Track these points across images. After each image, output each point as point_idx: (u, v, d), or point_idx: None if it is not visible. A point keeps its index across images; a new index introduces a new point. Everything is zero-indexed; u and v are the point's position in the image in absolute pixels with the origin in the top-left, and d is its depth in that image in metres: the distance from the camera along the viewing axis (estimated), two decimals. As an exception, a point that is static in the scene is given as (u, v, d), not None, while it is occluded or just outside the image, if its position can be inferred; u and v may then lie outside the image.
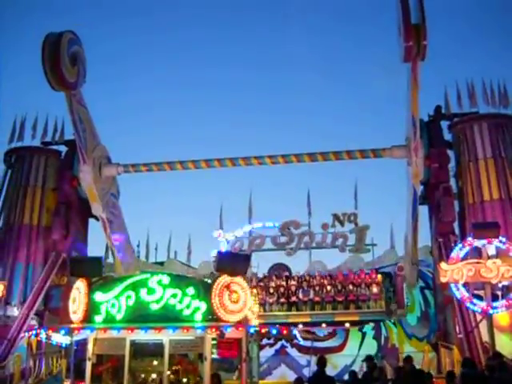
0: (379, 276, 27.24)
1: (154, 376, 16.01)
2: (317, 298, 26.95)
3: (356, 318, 26.59)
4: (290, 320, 26.74)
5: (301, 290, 27.29)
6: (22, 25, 71.11)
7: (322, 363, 13.43)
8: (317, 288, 27.23)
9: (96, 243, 30.75)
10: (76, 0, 72.39)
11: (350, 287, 26.96)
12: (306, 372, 25.97)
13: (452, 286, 19.97)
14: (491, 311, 19.54)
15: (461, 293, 19.85)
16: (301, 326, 23.19)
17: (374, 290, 26.68)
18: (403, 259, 26.73)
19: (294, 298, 27.27)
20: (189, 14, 76.03)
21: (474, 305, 19.71)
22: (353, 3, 73.22)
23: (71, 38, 22.48)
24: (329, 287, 27.12)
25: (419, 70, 21.16)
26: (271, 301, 27.21)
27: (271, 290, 27.53)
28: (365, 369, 15.56)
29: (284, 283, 27.93)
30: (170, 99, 78.15)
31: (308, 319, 26.69)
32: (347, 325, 26.63)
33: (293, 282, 27.82)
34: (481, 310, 19.69)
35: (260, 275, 28.87)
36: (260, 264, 29.32)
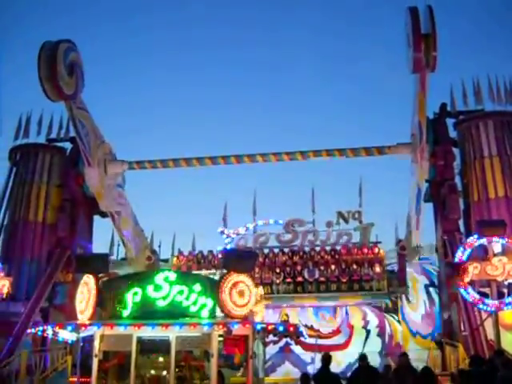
0: (381, 251, 27.61)
1: (160, 373, 16.03)
2: (322, 278, 27.21)
3: (360, 299, 27.30)
4: (297, 302, 27.61)
5: (306, 270, 27.54)
6: (23, 21, 71.30)
7: (326, 360, 13.43)
8: (322, 267, 27.50)
9: (101, 240, 30.85)
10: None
11: (354, 266, 27.24)
12: (311, 369, 26.00)
13: (462, 290, 19.94)
14: (505, 308, 19.53)
15: (471, 296, 19.82)
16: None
17: (377, 269, 27.01)
18: (405, 238, 26.92)
19: (299, 278, 27.49)
20: (193, 13, 76.22)
21: (487, 305, 19.65)
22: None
23: (68, 47, 22.64)
24: (333, 266, 27.42)
25: (428, 80, 21.06)
26: (278, 281, 27.49)
27: (277, 270, 27.80)
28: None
29: (290, 261, 28.31)
30: (174, 97, 78.11)
31: (314, 301, 27.36)
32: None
33: (298, 260, 28.15)
34: (495, 309, 19.59)
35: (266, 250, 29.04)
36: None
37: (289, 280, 27.57)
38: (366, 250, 27.80)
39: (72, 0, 73.10)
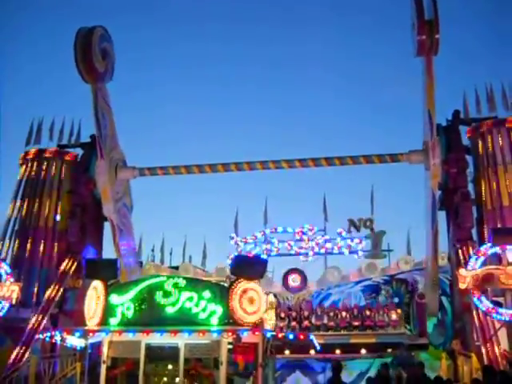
0: (399, 310, 26.39)
1: (169, 380, 15.88)
2: (331, 323, 26.14)
3: (373, 340, 25.49)
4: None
5: (314, 316, 26.56)
6: (36, 29, 71.77)
7: (337, 369, 13.29)
8: (331, 314, 26.44)
9: (111, 246, 30.75)
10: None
11: (367, 312, 26.17)
12: (322, 378, 25.77)
13: (475, 299, 19.67)
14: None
15: (485, 305, 19.54)
16: (313, 353, 22.62)
17: (393, 316, 25.91)
18: (424, 287, 26.31)
19: (306, 323, 26.42)
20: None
21: (501, 314, 19.35)
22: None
23: (102, 33, 23.97)
24: (344, 313, 26.38)
25: (433, 65, 22.02)
26: (282, 325, 26.09)
27: (282, 315, 26.59)
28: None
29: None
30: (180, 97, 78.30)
31: (321, 341, 26.16)
32: (363, 351, 25.28)
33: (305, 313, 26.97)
34: (509, 318, 19.28)
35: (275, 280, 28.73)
36: (275, 268, 29.17)
37: (294, 324, 26.46)
38: (380, 309, 26.44)
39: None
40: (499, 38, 70.36)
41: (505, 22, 70.43)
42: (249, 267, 15.86)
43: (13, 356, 22.29)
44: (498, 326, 20.24)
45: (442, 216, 25.88)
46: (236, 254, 27.54)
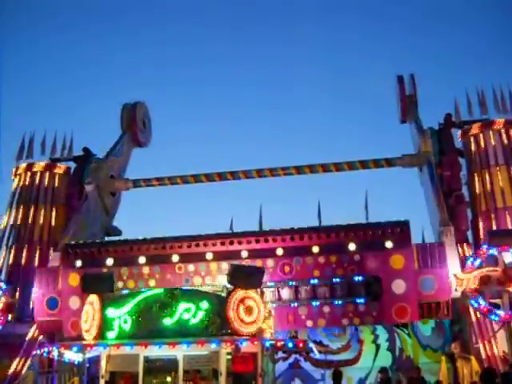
0: None
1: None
2: None
3: None
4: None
5: None
6: (23, 39, 71.76)
7: (337, 377, 13.26)
8: None
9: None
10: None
11: None
12: (321, 386, 25.67)
13: (472, 301, 19.64)
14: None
15: (481, 306, 19.50)
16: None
17: None
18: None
19: None
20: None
21: (498, 316, 19.32)
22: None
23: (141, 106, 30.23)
24: None
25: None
26: None
27: None
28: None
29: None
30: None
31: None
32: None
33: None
34: (507, 320, 19.23)
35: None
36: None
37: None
38: None
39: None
40: (489, 42, 70.97)
41: (493, 25, 70.98)
42: (246, 277, 15.83)
43: (10, 372, 22.12)
44: (496, 327, 20.22)
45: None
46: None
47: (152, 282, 20.74)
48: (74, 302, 20.96)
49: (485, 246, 20.21)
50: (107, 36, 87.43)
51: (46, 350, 17.30)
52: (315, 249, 20.36)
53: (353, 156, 24.39)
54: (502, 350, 20.23)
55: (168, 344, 14.82)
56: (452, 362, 22.74)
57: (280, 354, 20.47)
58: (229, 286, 16.97)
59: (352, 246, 20.25)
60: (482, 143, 25.34)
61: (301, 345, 16.92)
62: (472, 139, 25.77)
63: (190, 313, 15.62)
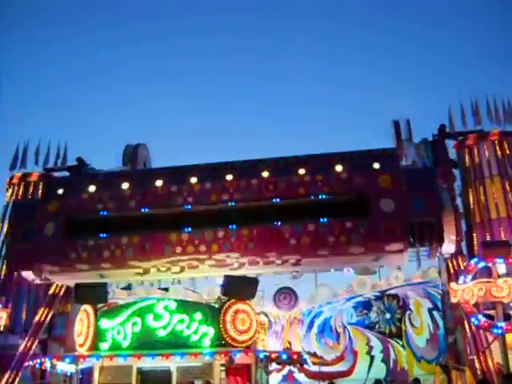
0: None
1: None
2: None
3: None
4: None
5: None
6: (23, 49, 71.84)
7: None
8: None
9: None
10: None
11: None
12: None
13: (472, 319, 19.54)
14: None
15: (481, 324, 19.40)
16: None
17: None
18: None
19: None
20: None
21: (499, 328, 19.21)
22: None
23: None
24: None
25: None
26: None
27: None
28: None
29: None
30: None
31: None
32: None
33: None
34: (502, 332, 19.13)
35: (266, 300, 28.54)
36: (266, 288, 28.94)
37: None
38: None
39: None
40: (482, 53, 71.34)
41: (487, 37, 71.41)
42: (240, 288, 15.79)
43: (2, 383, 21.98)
44: (490, 339, 20.18)
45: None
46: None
47: (132, 203, 20.57)
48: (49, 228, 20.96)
49: (473, 261, 20.14)
50: (100, 30, 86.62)
51: (38, 361, 17.17)
52: (301, 170, 20.04)
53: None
54: (497, 361, 20.18)
55: (161, 355, 14.74)
56: (446, 373, 22.72)
57: (274, 366, 20.38)
58: (223, 297, 16.95)
59: (339, 168, 19.89)
60: (476, 154, 25.38)
61: (295, 356, 16.84)
62: (466, 150, 25.81)
63: (183, 324, 15.56)
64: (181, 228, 19.63)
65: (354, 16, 78.69)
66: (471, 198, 24.99)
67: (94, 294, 16.96)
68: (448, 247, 20.10)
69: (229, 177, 20.14)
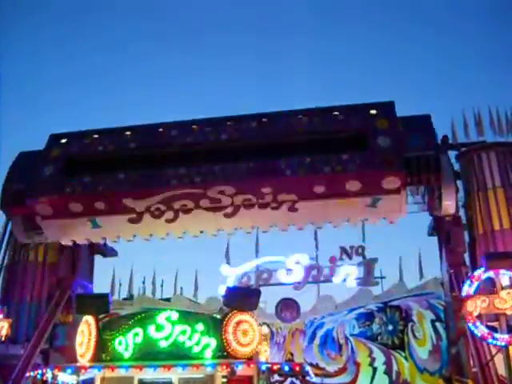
0: None
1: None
2: None
3: None
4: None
5: None
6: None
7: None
8: None
9: (102, 280, 30.51)
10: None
11: None
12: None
13: (470, 325, 19.49)
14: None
15: (480, 331, 19.35)
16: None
17: None
18: None
19: None
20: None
21: (497, 339, 19.15)
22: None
23: None
24: None
25: None
26: None
27: None
28: None
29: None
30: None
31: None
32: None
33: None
34: (505, 344, 19.07)
35: (268, 311, 28.49)
36: (268, 299, 28.92)
37: None
38: None
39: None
40: (485, 63, 71.45)
41: (489, 47, 71.53)
42: (242, 299, 15.77)
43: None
44: (494, 351, 20.08)
45: (433, 241, 25.86)
46: (229, 285, 27.33)
47: (132, 144, 21.27)
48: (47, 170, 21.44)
49: (481, 269, 20.11)
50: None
51: (39, 371, 17.11)
52: (300, 116, 20.78)
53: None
54: (500, 374, 20.06)
55: (163, 367, 14.68)
56: (449, 385, 22.65)
57: (276, 377, 20.30)
58: (225, 307, 16.91)
59: (337, 112, 20.69)
60: (479, 166, 25.31)
61: (297, 368, 16.77)
62: (469, 162, 25.75)
63: (185, 335, 15.50)
64: (177, 164, 20.29)
65: (356, 16, 78.59)
66: (474, 210, 24.88)
67: (96, 305, 16.93)
68: (448, 205, 20.12)
69: (229, 123, 21.10)
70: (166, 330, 15.62)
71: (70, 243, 24.07)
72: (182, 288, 30.25)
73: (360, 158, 19.34)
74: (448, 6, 70.97)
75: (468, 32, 71.14)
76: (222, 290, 26.87)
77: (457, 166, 26.08)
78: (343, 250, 28.43)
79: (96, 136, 21.78)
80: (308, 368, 17.94)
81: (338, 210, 20.37)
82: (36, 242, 24.00)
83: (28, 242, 23.43)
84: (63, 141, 22.07)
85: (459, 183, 25.37)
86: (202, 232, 22.15)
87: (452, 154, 25.99)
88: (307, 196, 19.69)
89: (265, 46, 79.98)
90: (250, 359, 15.39)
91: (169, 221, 20.43)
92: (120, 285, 30.44)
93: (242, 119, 21.17)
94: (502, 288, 19.43)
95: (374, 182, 19.23)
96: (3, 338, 23.07)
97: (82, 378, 16.47)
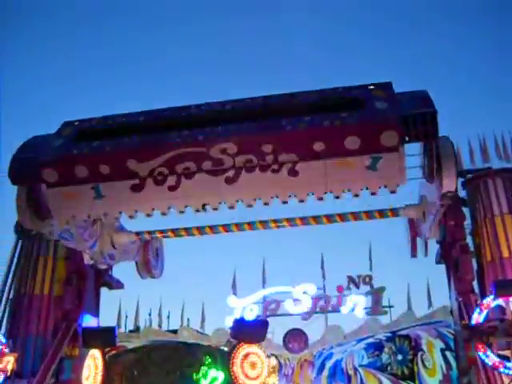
0: None
1: None
2: None
3: None
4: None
5: None
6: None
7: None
8: None
9: (108, 312, 30.33)
10: None
11: None
12: None
13: (480, 354, 19.28)
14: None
15: (491, 360, 19.14)
16: None
17: None
18: None
19: None
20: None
21: (509, 368, 18.93)
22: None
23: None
24: None
25: None
26: None
27: None
28: None
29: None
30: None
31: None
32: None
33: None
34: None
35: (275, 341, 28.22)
36: (275, 329, 28.67)
37: None
38: None
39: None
40: (487, 90, 71.71)
41: (490, 74, 71.85)
42: (250, 331, 15.64)
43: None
44: (506, 380, 19.82)
45: (441, 269, 25.73)
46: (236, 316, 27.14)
47: (141, 117, 22.28)
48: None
49: (491, 297, 19.95)
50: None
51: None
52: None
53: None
54: (513, 403, 19.78)
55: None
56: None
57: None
58: (232, 339, 16.75)
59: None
60: (485, 192, 25.23)
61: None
62: (475, 188, 25.68)
63: (192, 368, 15.35)
64: (181, 128, 20.98)
65: (358, 24, 79.33)
66: (482, 237, 24.75)
67: (103, 338, 16.85)
68: (449, 181, 20.97)
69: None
70: (173, 362, 15.51)
71: (72, 224, 24.03)
72: (188, 319, 29.99)
73: (358, 114, 20.09)
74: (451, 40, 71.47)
75: (471, 64, 71.38)
76: (229, 322, 26.64)
77: (463, 193, 26.06)
78: (350, 279, 28.36)
79: (107, 117, 22.87)
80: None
81: (338, 173, 20.37)
82: (40, 231, 24.06)
83: (32, 228, 23.64)
84: (76, 123, 22.92)
85: (466, 210, 25.34)
86: (204, 207, 21.97)
87: (458, 181, 26.00)
88: (307, 155, 20.09)
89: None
90: (259, 392, 15.20)
91: (171, 188, 20.60)
92: (126, 317, 30.21)
93: (242, 100, 22.27)
94: (512, 316, 19.30)
95: (372, 138, 19.57)
96: (9, 373, 22.93)
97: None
